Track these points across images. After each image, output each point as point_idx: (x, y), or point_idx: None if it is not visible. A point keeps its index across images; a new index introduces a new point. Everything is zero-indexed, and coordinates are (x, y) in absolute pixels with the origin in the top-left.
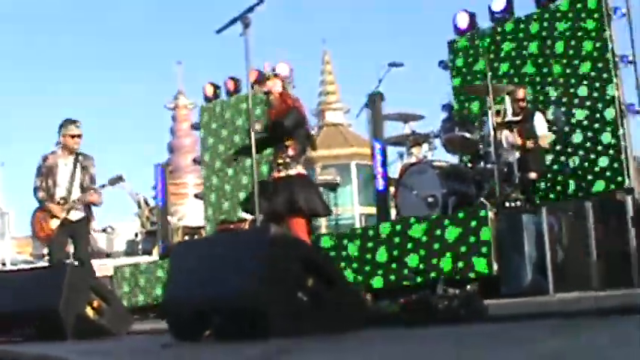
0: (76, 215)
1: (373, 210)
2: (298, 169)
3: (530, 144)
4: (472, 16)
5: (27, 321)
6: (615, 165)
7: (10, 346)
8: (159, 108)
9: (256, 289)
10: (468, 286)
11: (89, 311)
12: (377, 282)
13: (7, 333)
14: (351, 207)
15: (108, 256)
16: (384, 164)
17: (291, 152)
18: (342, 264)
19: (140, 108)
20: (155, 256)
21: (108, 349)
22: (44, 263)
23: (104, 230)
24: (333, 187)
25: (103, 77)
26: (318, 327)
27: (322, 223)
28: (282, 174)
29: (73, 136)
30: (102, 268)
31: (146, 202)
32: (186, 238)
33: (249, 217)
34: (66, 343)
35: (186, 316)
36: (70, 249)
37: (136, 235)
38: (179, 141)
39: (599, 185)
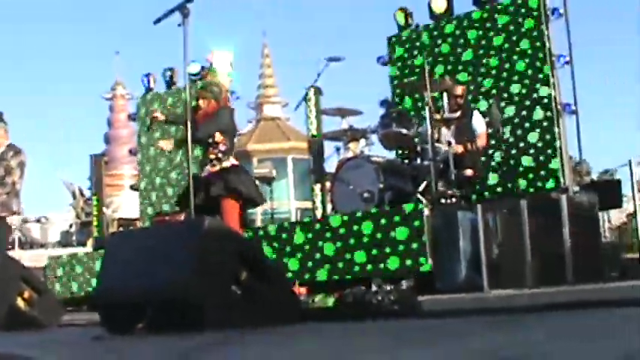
0: None
1: (309, 204)
2: (232, 161)
3: (467, 142)
4: (411, 13)
5: None
6: (550, 164)
7: None
8: (96, 98)
9: (189, 282)
10: (403, 282)
11: (20, 302)
12: (320, 275)
13: None
14: (287, 201)
15: (42, 246)
16: (321, 159)
17: (222, 147)
18: (286, 255)
19: (77, 97)
20: (89, 247)
21: (37, 342)
22: None
23: (38, 220)
24: (269, 180)
25: (39, 66)
26: (251, 320)
27: (258, 217)
28: (217, 168)
29: None
30: (36, 258)
31: (81, 193)
32: (121, 229)
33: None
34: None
35: (118, 308)
36: None
37: (71, 225)
38: (116, 132)
39: (524, 184)
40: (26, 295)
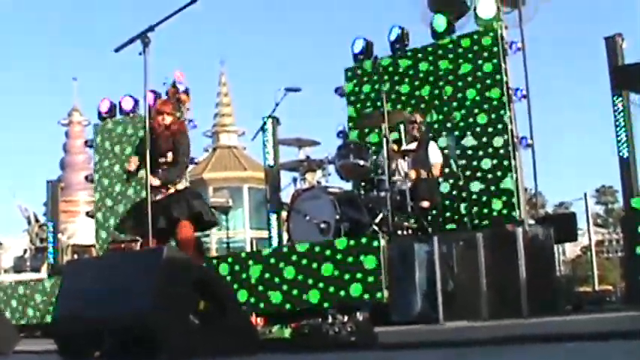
0: None
1: (264, 234)
2: (185, 184)
3: (423, 173)
4: (369, 44)
5: None
6: (504, 197)
7: None
8: (52, 124)
9: (148, 311)
10: (358, 313)
11: None
12: (275, 301)
13: None
14: (242, 230)
15: None
16: (278, 189)
17: (157, 182)
18: (237, 286)
19: (34, 122)
20: (44, 273)
21: None
22: None
23: None
24: (225, 210)
25: None
26: (208, 350)
27: (212, 245)
28: (172, 190)
29: None
30: None
31: (36, 219)
32: (75, 256)
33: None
34: None
35: (76, 336)
36: None
37: (25, 251)
38: (72, 158)
39: (484, 218)
40: None
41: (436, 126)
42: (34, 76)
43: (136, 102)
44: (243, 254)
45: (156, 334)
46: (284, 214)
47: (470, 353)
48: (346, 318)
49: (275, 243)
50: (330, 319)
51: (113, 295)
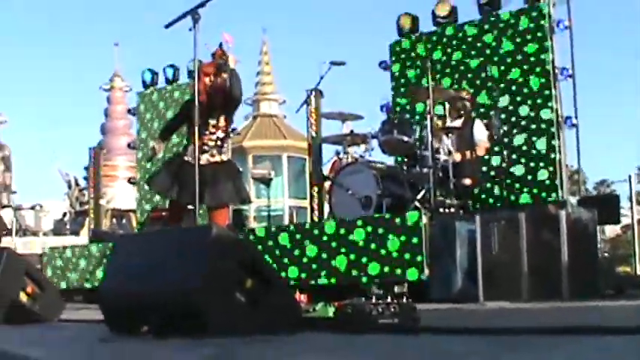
0: None
1: (303, 203)
2: (229, 155)
3: (467, 151)
4: (415, 19)
5: None
6: (549, 176)
7: None
8: (94, 89)
9: (195, 287)
10: (396, 288)
11: (23, 297)
12: (320, 279)
13: None
14: (281, 199)
15: (34, 234)
16: (320, 162)
17: (222, 135)
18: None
19: (75, 88)
20: (83, 237)
21: (46, 340)
22: None
23: (32, 208)
24: (267, 182)
25: (39, 55)
26: (253, 327)
27: (251, 213)
28: (217, 158)
29: None
30: (29, 245)
31: (76, 183)
32: (114, 220)
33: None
34: (2, 328)
35: (123, 309)
36: None
37: (64, 214)
38: (113, 123)
39: (526, 197)
40: (29, 290)
41: (481, 102)
42: (75, 41)
43: (179, 71)
44: (274, 228)
45: (203, 310)
46: (326, 184)
47: (520, 343)
48: (389, 298)
49: (315, 215)
50: (373, 299)
51: (161, 271)
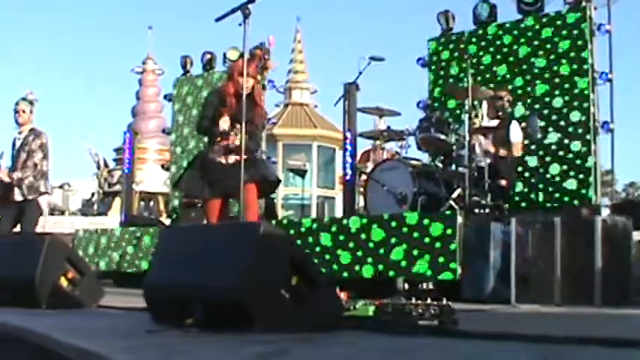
0: (17, 196)
1: (330, 192)
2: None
3: (503, 151)
4: (455, 17)
5: (2, 286)
6: (582, 180)
7: None
8: (125, 71)
9: (243, 283)
10: (424, 284)
11: (63, 282)
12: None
13: None
14: (309, 188)
15: (62, 213)
16: (354, 155)
17: (238, 142)
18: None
19: (107, 69)
20: (111, 217)
21: (92, 328)
22: None
23: (61, 187)
24: (302, 173)
25: (70, 34)
26: (297, 325)
27: (278, 201)
28: (232, 160)
29: (17, 111)
30: (57, 224)
31: (105, 164)
32: (142, 203)
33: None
34: (40, 313)
35: (168, 301)
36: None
37: (92, 195)
38: (144, 106)
39: (560, 200)
40: (70, 275)
41: (518, 104)
42: (109, 23)
43: (215, 58)
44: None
45: (248, 306)
46: (362, 177)
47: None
48: (429, 299)
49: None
50: (413, 299)
51: (208, 264)
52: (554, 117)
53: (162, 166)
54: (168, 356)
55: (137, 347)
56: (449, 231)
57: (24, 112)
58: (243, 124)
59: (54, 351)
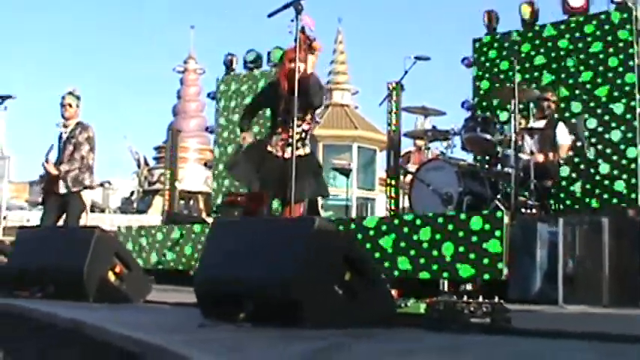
0: (61, 188)
1: (370, 194)
2: (310, 147)
3: (549, 152)
4: (498, 16)
5: (49, 278)
6: (630, 180)
7: (33, 302)
8: (166, 70)
9: (295, 278)
10: (468, 286)
11: (111, 276)
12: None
13: (28, 287)
14: (349, 189)
15: (102, 211)
16: (398, 155)
17: (306, 127)
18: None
19: (148, 68)
20: (150, 215)
21: (142, 322)
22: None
23: (101, 185)
24: (346, 173)
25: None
26: (349, 321)
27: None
28: (300, 152)
29: (63, 105)
30: (96, 221)
31: (146, 162)
32: (182, 202)
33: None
34: (90, 307)
35: (219, 295)
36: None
37: (132, 193)
38: (185, 105)
39: (606, 200)
40: (117, 269)
41: (563, 105)
42: (151, 22)
43: (261, 57)
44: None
45: (301, 301)
46: (407, 178)
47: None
48: (481, 297)
49: (387, 207)
50: (465, 297)
51: (260, 259)
52: (599, 118)
53: (206, 164)
54: (220, 352)
55: (190, 342)
56: (496, 231)
57: (70, 106)
58: (294, 125)
59: (110, 343)
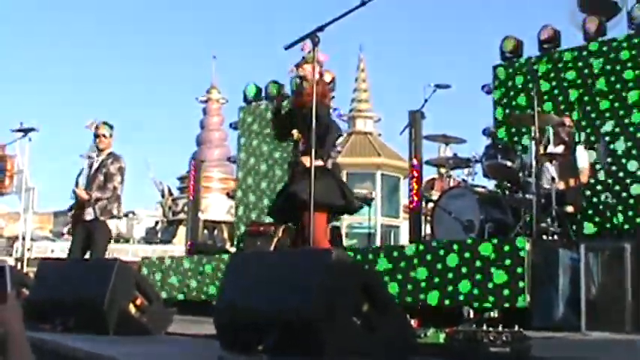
0: (88, 215)
1: (395, 222)
2: (317, 162)
3: (570, 178)
4: (519, 43)
5: (70, 311)
6: None
7: (55, 335)
8: (190, 100)
9: (313, 309)
10: (491, 313)
11: (131, 308)
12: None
13: (50, 320)
14: (373, 217)
15: (127, 241)
16: (420, 182)
17: (301, 147)
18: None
19: (171, 98)
20: (175, 245)
21: (164, 355)
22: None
23: (126, 215)
24: (369, 201)
25: (139, 69)
26: (369, 352)
27: (343, 230)
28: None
29: (98, 135)
30: (120, 252)
31: (169, 192)
32: (206, 232)
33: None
34: (111, 340)
35: (238, 327)
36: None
37: (156, 223)
38: (208, 134)
39: (627, 224)
40: (138, 301)
41: (586, 130)
42: (174, 52)
43: (283, 87)
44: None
45: (319, 332)
46: (428, 205)
47: None
48: (500, 327)
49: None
50: (484, 327)
51: (278, 291)
52: (622, 142)
53: (228, 194)
54: None
55: None
56: (517, 259)
57: (105, 136)
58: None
59: None
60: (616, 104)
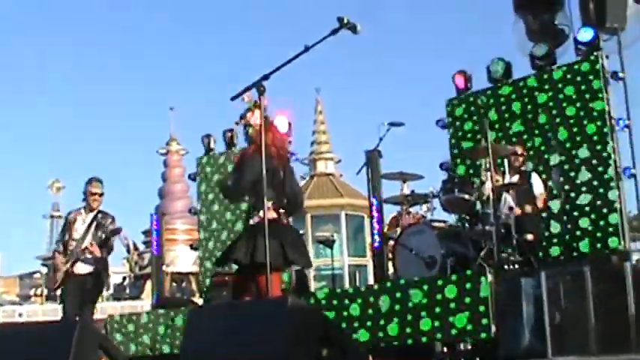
0: (83, 269)
1: (362, 261)
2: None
3: (527, 205)
4: (468, 76)
5: None
6: (609, 226)
7: None
8: (150, 153)
9: (273, 358)
10: (461, 345)
11: None
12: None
13: None
14: (340, 257)
15: None
16: (381, 221)
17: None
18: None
19: (131, 151)
20: (142, 301)
21: None
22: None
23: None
24: (329, 244)
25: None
26: None
27: (310, 272)
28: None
29: (92, 194)
30: None
31: (135, 247)
32: (174, 284)
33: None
34: None
35: None
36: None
37: (124, 279)
38: (170, 187)
39: (587, 246)
40: None
41: (544, 157)
42: (130, 106)
43: (237, 135)
44: (354, 289)
45: None
46: (389, 243)
47: None
48: None
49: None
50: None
51: (238, 342)
52: (574, 168)
53: (191, 246)
54: None
55: None
56: (480, 290)
57: (100, 195)
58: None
59: None
60: (561, 130)
